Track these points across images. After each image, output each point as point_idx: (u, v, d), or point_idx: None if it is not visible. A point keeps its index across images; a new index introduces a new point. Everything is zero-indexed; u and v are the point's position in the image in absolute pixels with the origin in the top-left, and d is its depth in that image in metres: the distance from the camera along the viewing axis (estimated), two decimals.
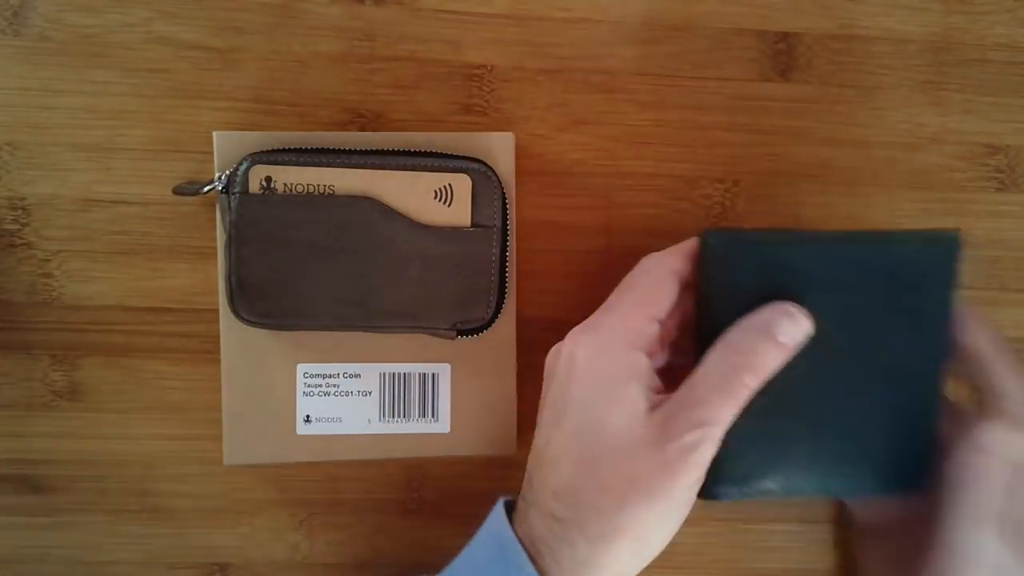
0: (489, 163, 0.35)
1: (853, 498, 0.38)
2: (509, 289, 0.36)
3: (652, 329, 0.31)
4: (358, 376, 0.36)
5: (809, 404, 0.33)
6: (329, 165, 0.34)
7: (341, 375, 0.36)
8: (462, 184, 0.34)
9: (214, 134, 0.35)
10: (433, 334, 0.35)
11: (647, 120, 0.39)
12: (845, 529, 0.40)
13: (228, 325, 0.35)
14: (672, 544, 0.40)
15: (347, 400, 0.36)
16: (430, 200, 0.34)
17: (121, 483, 0.38)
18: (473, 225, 0.35)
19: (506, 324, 0.36)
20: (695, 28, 0.39)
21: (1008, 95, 0.40)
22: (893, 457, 0.34)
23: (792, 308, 0.31)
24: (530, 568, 0.30)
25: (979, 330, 0.34)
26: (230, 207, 0.33)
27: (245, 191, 0.33)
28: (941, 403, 0.34)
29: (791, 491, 0.33)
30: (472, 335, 0.35)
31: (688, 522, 0.40)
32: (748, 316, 0.31)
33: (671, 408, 0.30)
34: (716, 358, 0.30)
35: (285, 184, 0.33)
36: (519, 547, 0.30)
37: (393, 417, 0.36)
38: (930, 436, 0.34)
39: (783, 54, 0.39)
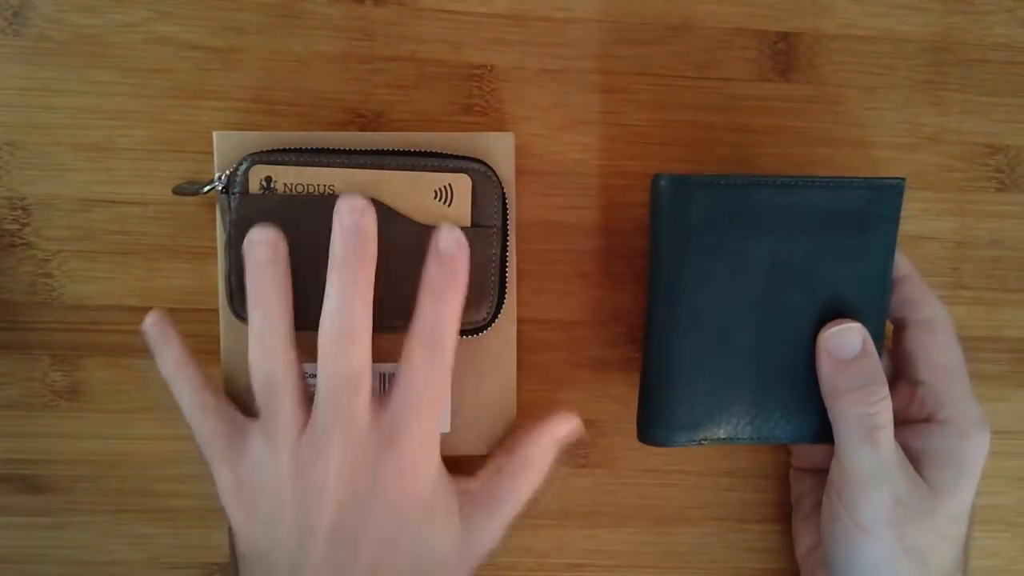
0: (489, 163, 0.35)
1: (791, 443, 0.38)
2: (509, 289, 0.36)
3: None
4: None
5: (754, 352, 0.34)
6: (329, 165, 0.34)
7: None
8: (462, 184, 0.34)
9: (214, 134, 0.35)
10: None
11: (647, 120, 0.39)
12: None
13: (228, 325, 0.35)
14: (670, 544, 0.40)
15: None
16: (430, 200, 0.34)
17: (121, 483, 0.38)
18: (473, 225, 0.35)
19: (506, 324, 0.36)
20: (695, 28, 0.39)
21: (1008, 95, 0.40)
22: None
23: (567, 417, 0.35)
24: None
25: (909, 272, 0.35)
26: (230, 207, 0.33)
27: (245, 191, 0.33)
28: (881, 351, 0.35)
29: (736, 438, 0.35)
30: (472, 335, 0.35)
31: (687, 522, 0.40)
32: (535, 433, 0.34)
33: (478, 522, 0.33)
34: (510, 470, 0.34)
35: (285, 184, 0.33)
36: None
37: None
38: None
39: (783, 54, 0.39)
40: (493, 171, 0.35)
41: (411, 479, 0.31)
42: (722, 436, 0.35)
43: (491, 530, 0.33)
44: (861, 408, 0.33)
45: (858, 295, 0.34)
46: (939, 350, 0.34)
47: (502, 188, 0.35)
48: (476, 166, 0.34)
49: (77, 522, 0.38)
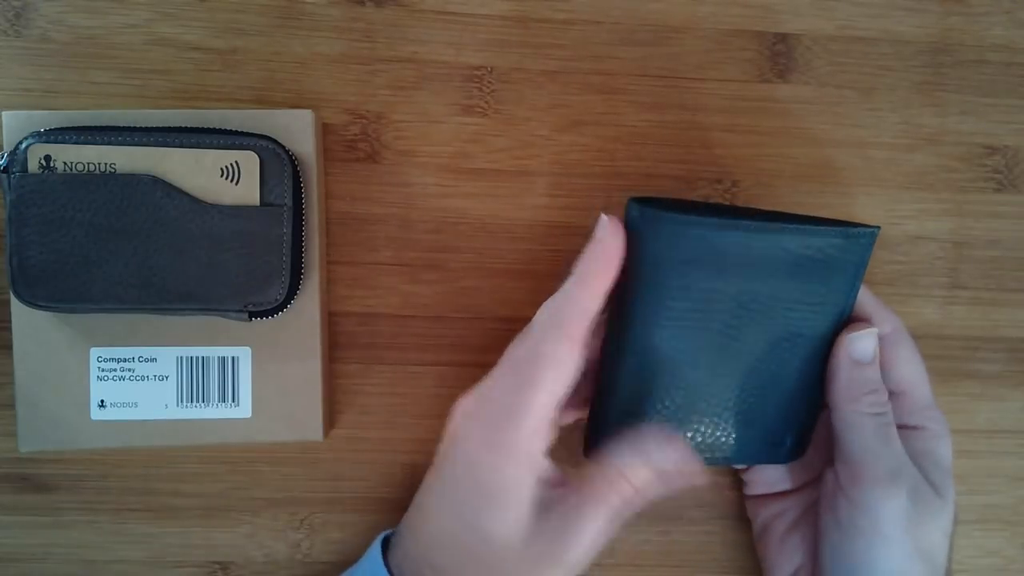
0: (287, 141, 0.34)
1: (748, 465, 0.39)
2: (308, 270, 0.35)
3: (552, 413, 0.31)
4: (154, 360, 0.35)
5: (708, 383, 0.33)
6: (110, 143, 0.33)
7: (136, 359, 0.35)
8: (249, 161, 0.34)
9: (3, 114, 0.34)
10: (224, 316, 0.34)
11: (646, 121, 0.39)
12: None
13: (19, 308, 0.35)
14: (671, 543, 0.40)
15: (143, 385, 0.35)
16: (216, 178, 0.33)
17: (123, 482, 0.38)
18: (262, 203, 0.34)
19: (308, 306, 0.35)
20: (694, 29, 0.39)
21: (1006, 96, 0.40)
22: (783, 428, 0.35)
23: (672, 440, 0.32)
24: None
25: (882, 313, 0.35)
26: (9, 187, 0.33)
27: (24, 170, 0.33)
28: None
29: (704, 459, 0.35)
30: (267, 317, 0.34)
31: (687, 521, 0.40)
32: (632, 437, 0.31)
33: (556, 522, 0.30)
34: (599, 477, 0.31)
35: (65, 163, 0.33)
36: None
37: (192, 402, 0.36)
38: (814, 412, 0.36)
39: (782, 55, 0.39)
40: (283, 148, 0.34)
41: (485, 450, 0.30)
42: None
43: (566, 544, 0.30)
44: (877, 408, 0.33)
45: (818, 334, 0.34)
46: (903, 362, 0.35)
47: (294, 166, 0.34)
48: (264, 143, 0.34)
49: (79, 521, 0.38)
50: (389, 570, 0.33)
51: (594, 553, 0.30)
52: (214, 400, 0.36)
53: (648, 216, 0.31)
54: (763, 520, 0.39)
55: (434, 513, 0.32)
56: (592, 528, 0.30)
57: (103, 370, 0.35)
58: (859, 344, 0.34)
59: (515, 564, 0.30)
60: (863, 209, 0.40)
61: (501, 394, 0.31)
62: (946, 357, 0.41)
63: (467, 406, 0.32)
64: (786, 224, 0.32)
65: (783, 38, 0.39)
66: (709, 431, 0.34)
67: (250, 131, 0.34)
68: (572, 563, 0.30)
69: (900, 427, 0.34)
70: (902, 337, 0.35)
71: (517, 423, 0.30)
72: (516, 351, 0.31)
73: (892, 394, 0.34)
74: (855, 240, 0.33)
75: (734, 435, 0.35)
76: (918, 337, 0.40)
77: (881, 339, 0.35)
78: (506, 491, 0.30)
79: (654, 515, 0.40)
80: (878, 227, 0.33)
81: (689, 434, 0.34)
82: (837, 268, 0.33)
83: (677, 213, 0.31)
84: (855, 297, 0.34)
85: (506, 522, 0.30)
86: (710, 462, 0.35)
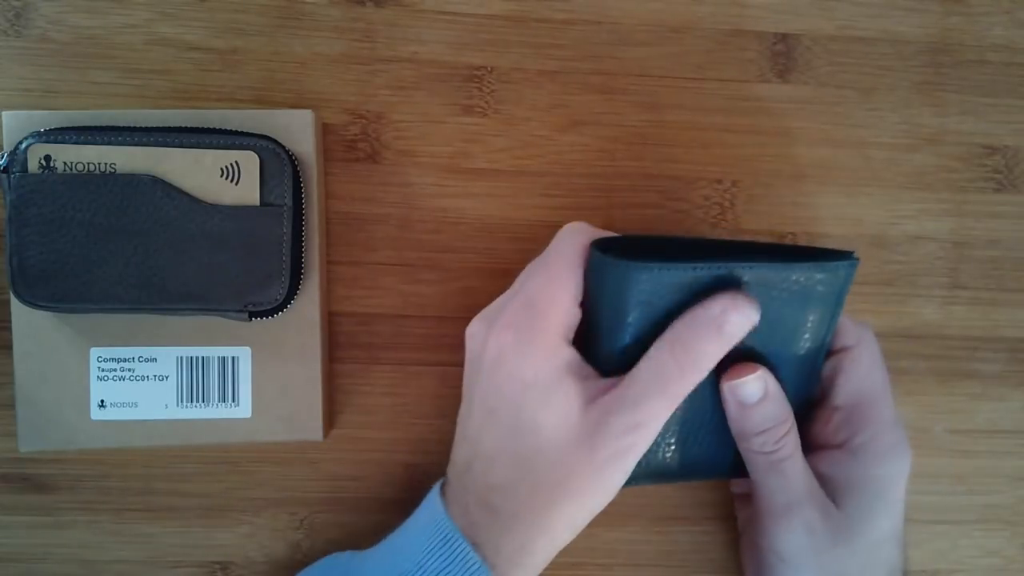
0: (287, 141, 0.34)
1: (711, 479, 0.39)
2: (308, 270, 0.35)
3: (576, 314, 0.31)
4: (154, 360, 0.35)
5: (691, 401, 0.32)
6: (110, 143, 0.33)
7: (136, 359, 0.35)
8: (249, 161, 0.34)
9: (3, 114, 0.34)
10: (224, 316, 0.35)
11: (646, 121, 0.39)
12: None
13: (19, 308, 0.35)
14: (669, 543, 0.40)
15: (143, 385, 0.35)
16: (216, 178, 0.33)
17: (123, 482, 0.38)
18: (262, 204, 0.34)
19: (307, 306, 0.35)
20: (694, 29, 0.39)
21: (1006, 96, 0.40)
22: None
23: (740, 299, 0.30)
24: (475, 557, 0.30)
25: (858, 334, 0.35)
26: (9, 187, 0.33)
27: (24, 170, 0.33)
28: (809, 401, 0.35)
29: (662, 479, 0.35)
30: (267, 317, 0.35)
31: (685, 520, 0.40)
32: (696, 309, 0.30)
33: (608, 406, 0.30)
34: (661, 355, 0.30)
35: (65, 163, 0.33)
36: (462, 537, 0.30)
37: (192, 402, 0.36)
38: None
39: (782, 55, 0.39)
40: (283, 148, 0.34)
41: (518, 349, 0.30)
42: (651, 477, 0.34)
43: (621, 427, 0.29)
44: (767, 447, 0.33)
45: (797, 354, 0.33)
46: (858, 377, 0.34)
47: (294, 166, 0.34)
48: (264, 143, 0.34)
49: (79, 521, 0.38)
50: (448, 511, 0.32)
51: (652, 438, 0.30)
52: (214, 400, 0.36)
53: (606, 263, 0.30)
54: (741, 520, 0.39)
55: (481, 436, 0.31)
56: (658, 406, 0.30)
57: (103, 370, 0.35)
58: (740, 389, 0.32)
59: (573, 458, 0.30)
60: (863, 209, 0.40)
61: (523, 297, 0.31)
62: (946, 357, 0.41)
63: (480, 325, 0.32)
64: (757, 263, 0.31)
65: (783, 38, 0.39)
66: (684, 447, 0.34)
67: (250, 131, 0.34)
68: (632, 448, 0.30)
69: (843, 447, 0.34)
70: (864, 351, 0.34)
71: (546, 315, 0.30)
72: (530, 266, 0.32)
73: (843, 408, 0.34)
74: (833, 273, 0.31)
75: (710, 451, 0.34)
76: (918, 337, 0.40)
77: (841, 352, 0.34)
78: (549, 382, 0.30)
79: (654, 515, 0.40)
80: (857, 259, 0.31)
81: (668, 453, 0.34)
82: (815, 298, 0.32)
83: (637, 261, 0.30)
84: (836, 323, 0.33)
85: (556, 413, 0.30)
86: (688, 478, 0.35)
